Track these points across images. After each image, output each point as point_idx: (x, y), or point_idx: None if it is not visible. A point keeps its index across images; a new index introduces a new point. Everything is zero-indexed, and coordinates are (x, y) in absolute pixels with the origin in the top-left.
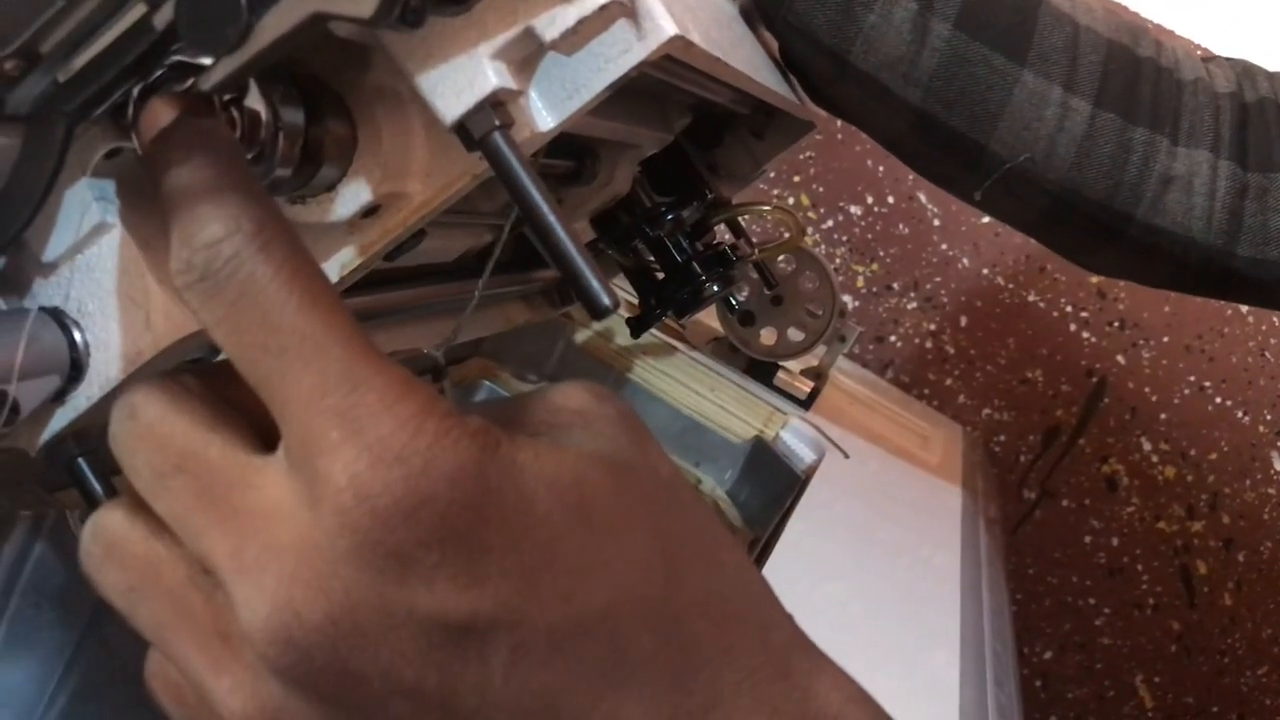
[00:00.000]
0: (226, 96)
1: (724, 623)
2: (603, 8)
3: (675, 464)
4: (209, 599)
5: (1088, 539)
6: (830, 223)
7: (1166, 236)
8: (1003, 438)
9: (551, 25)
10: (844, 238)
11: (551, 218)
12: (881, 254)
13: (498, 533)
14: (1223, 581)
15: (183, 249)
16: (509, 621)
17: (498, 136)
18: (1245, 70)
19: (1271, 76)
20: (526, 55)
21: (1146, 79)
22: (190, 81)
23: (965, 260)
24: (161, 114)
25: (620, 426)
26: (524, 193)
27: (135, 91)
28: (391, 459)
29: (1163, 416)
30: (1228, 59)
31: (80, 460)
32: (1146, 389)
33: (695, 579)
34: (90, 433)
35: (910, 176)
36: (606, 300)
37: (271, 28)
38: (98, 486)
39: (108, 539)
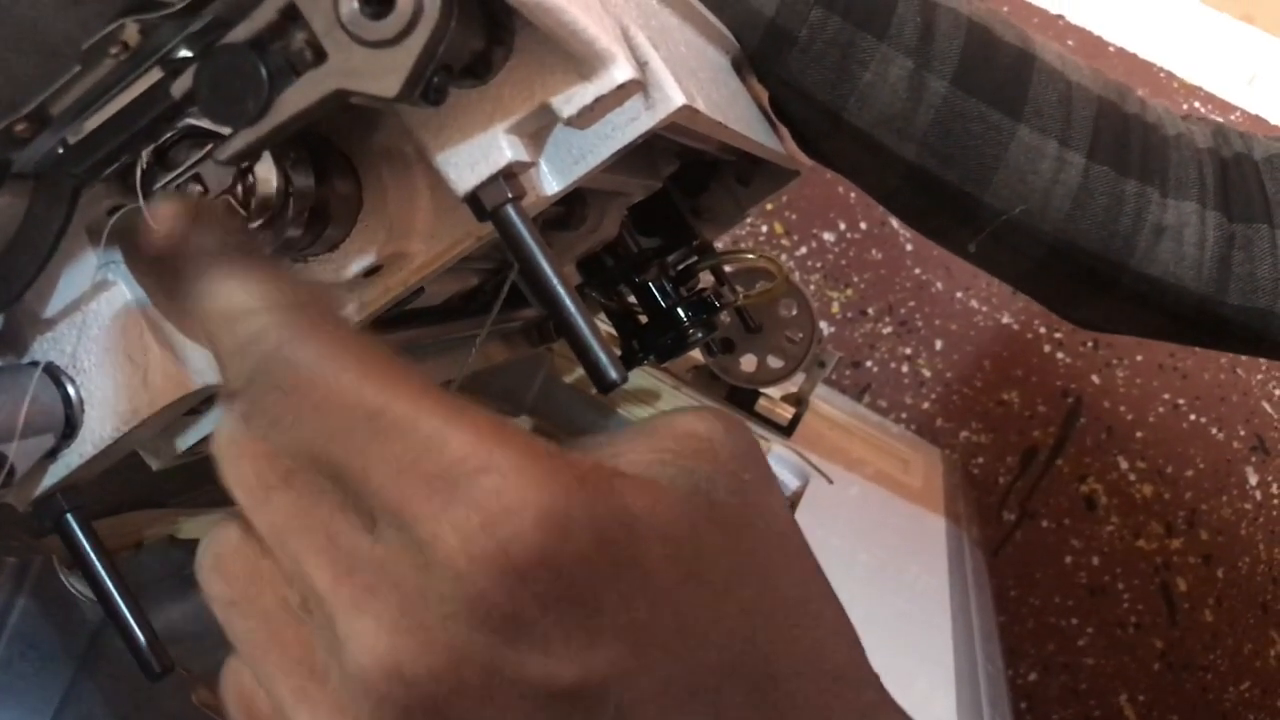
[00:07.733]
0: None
1: (821, 681)
2: (620, 86)
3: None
4: (299, 627)
5: (1068, 559)
6: (804, 249)
7: (1159, 286)
8: (981, 460)
9: (569, 103)
10: (818, 264)
11: (561, 290)
12: (856, 279)
13: (611, 590)
14: (1203, 598)
15: (231, 360)
16: (619, 682)
17: (510, 209)
18: (1218, 129)
19: (1243, 136)
20: (540, 128)
21: (1135, 133)
22: (209, 147)
23: (939, 284)
24: (166, 220)
25: (746, 463)
26: (534, 264)
27: (145, 155)
28: (500, 515)
29: (1139, 435)
30: (1200, 119)
31: (69, 515)
32: (1122, 408)
33: (799, 636)
34: (79, 487)
35: None
36: (614, 375)
37: (292, 102)
38: (86, 543)
39: (218, 550)
